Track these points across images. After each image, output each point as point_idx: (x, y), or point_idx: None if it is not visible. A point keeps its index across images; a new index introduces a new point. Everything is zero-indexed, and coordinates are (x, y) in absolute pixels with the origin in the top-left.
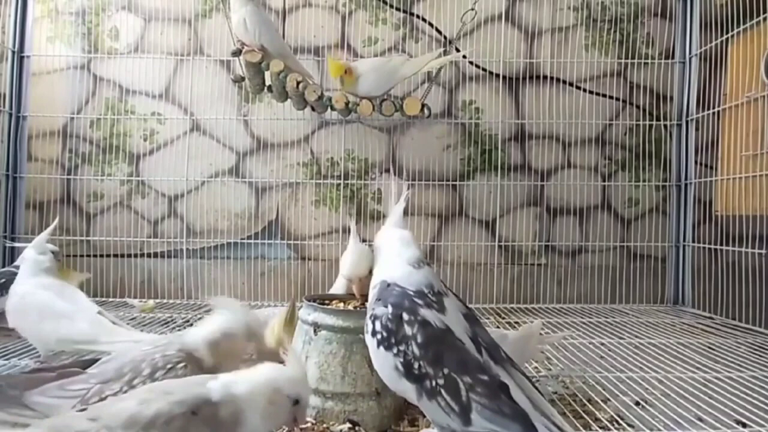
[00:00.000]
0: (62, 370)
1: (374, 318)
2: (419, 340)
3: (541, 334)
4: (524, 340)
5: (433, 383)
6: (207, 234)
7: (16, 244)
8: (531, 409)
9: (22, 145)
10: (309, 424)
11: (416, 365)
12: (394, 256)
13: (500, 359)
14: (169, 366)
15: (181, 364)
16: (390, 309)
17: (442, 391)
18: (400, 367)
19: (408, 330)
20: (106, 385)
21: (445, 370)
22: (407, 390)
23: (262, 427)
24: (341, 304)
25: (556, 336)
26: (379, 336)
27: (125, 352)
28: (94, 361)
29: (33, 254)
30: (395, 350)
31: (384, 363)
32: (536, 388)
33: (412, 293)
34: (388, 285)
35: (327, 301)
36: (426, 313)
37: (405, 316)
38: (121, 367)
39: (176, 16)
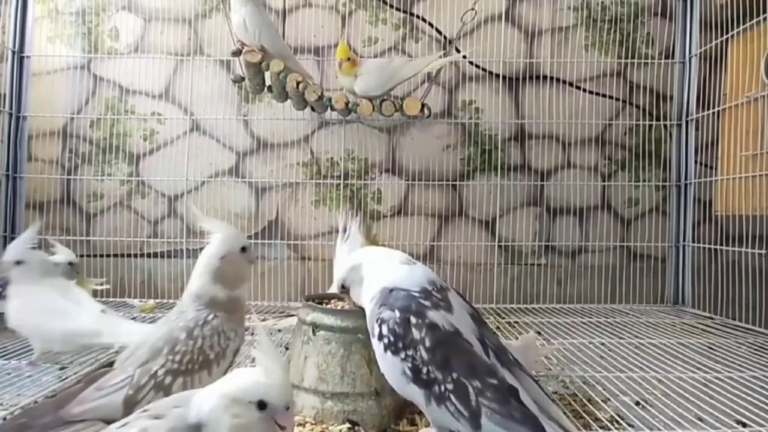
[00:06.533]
0: (87, 378)
1: (381, 322)
2: (427, 344)
3: (539, 334)
4: (524, 350)
5: (442, 388)
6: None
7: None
8: (539, 413)
9: (22, 145)
10: (307, 425)
11: (424, 370)
12: (384, 261)
13: (507, 361)
14: (200, 322)
15: (211, 315)
16: (397, 313)
17: (452, 396)
18: (408, 372)
19: (416, 334)
20: (150, 364)
21: (454, 375)
22: (415, 395)
23: None
24: (340, 304)
25: (548, 348)
26: (386, 340)
27: (144, 340)
28: (111, 363)
29: (37, 256)
30: (403, 355)
31: (391, 368)
32: (544, 391)
33: (417, 295)
34: (391, 290)
35: (325, 301)
36: (434, 315)
37: (413, 320)
38: (153, 346)
39: (176, 16)
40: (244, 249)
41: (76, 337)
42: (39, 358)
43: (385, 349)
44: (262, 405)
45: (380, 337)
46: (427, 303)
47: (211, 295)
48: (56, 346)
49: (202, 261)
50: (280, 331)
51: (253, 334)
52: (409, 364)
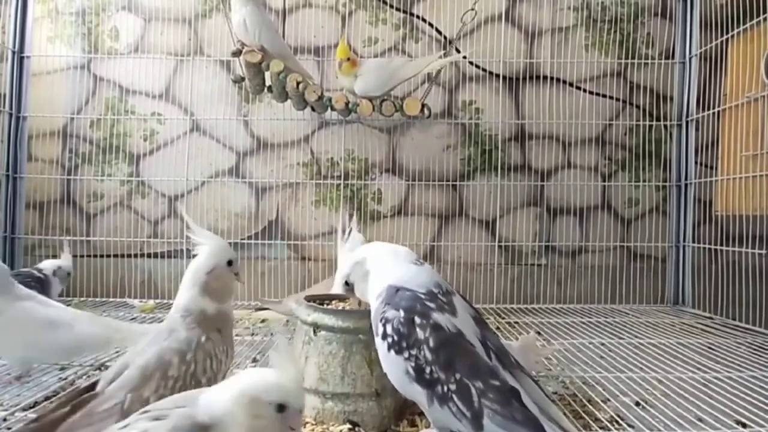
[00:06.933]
0: (70, 402)
1: (385, 321)
2: (431, 344)
3: (539, 334)
4: (524, 350)
5: (445, 388)
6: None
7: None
8: (539, 414)
9: (22, 145)
10: (308, 425)
11: (428, 370)
12: (391, 258)
13: (509, 364)
14: (194, 345)
15: (204, 337)
16: (402, 313)
17: (454, 397)
18: (411, 371)
19: (420, 334)
20: (141, 390)
21: (457, 375)
22: (417, 395)
23: None
24: (341, 304)
25: (548, 349)
26: (390, 339)
27: (129, 360)
28: (93, 385)
29: None
30: (406, 354)
31: (394, 367)
32: (544, 392)
33: (422, 296)
34: (397, 290)
35: (326, 301)
36: (438, 317)
37: (417, 320)
38: (144, 369)
39: (176, 16)
40: (230, 262)
41: (78, 349)
42: (25, 372)
43: (389, 349)
44: (281, 407)
45: (384, 336)
46: (432, 305)
47: (201, 308)
48: (52, 359)
49: (189, 274)
50: (263, 321)
51: (272, 334)
52: (413, 364)
